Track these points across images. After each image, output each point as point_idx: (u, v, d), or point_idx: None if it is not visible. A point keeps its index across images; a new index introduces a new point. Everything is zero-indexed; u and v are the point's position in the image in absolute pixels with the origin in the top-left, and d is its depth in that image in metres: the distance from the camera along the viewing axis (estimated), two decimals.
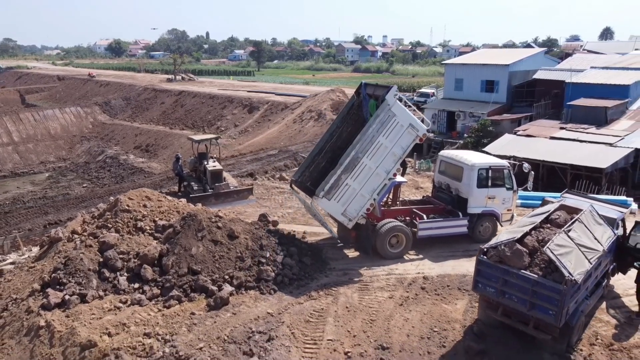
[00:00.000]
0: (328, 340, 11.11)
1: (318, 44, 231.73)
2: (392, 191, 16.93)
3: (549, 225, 11.10)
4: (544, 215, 11.36)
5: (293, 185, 17.33)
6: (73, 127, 63.44)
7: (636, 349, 10.67)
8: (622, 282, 13.41)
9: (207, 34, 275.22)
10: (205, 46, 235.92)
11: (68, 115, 64.69)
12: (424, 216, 16.38)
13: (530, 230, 10.73)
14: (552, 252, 9.64)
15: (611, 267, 12.53)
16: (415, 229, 15.95)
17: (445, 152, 18.43)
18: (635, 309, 12.31)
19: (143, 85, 77.47)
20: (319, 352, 10.71)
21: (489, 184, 16.54)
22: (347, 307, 12.41)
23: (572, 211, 11.91)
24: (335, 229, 16.92)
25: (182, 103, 65.02)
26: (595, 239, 10.85)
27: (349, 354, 10.64)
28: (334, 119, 18.82)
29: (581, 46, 63.41)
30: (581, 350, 10.67)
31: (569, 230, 10.39)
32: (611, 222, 12.13)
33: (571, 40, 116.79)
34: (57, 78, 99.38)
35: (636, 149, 25.65)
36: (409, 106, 15.85)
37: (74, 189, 43.25)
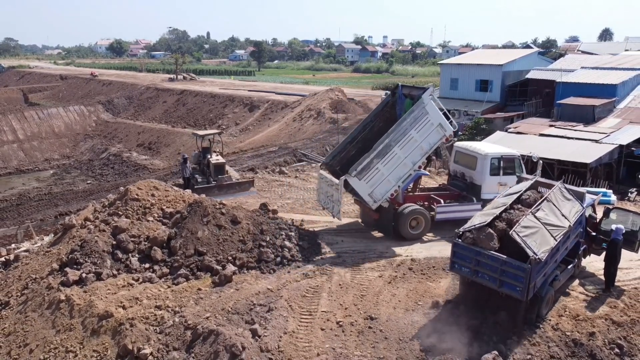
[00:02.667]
0: (322, 311, 12.27)
1: (318, 45, 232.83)
2: (414, 181, 18.26)
3: (519, 205, 12.22)
4: (516, 196, 12.46)
5: (321, 167, 18.91)
6: (77, 126, 64.59)
7: (599, 320, 11.81)
8: (594, 264, 14.54)
9: (208, 34, 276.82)
10: (206, 46, 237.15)
11: (72, 114, 65.83)
12: (442, 201, 17.74)
13: (502, 212, 11.84)
14: (518, 235, 10.75)
15: (582, 249, 13.69)
16: (433, 213, 17.32)
17: (460, 143, 19.71)
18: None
19: (145, 85, 78.63)
20: (314, 322, 11.87)
21: (501, 172, 17.85)
22: (340, 285, 13.57)
23: (546, 186, 13.07)
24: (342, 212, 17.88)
25: (184, 102, 66.18)
26: (563, 215, 11.93)
27: (340, 323, 11.81)
28: (369, 114, 20.49)
29: (577, 48, 64.58)
30: (550, 320, 11.81)
31: (537, 210, 11.53)
32: (579, 197, 13.12)
33: (570, 41, 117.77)
34: (60, 77, 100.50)
35: (620, 146, 26.79)
36: (441, 109, 17.26)
37: (78, 185, 44.36)
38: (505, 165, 17.90)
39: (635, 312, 12.19)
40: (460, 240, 11.77)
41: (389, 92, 19.87)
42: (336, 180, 16.90)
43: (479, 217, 11.84)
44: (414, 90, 18.38)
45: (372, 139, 17.33)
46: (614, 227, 13.35)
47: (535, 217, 11.32)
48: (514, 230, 10.83)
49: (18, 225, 23.09)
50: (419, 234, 17.07)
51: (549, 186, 13.10)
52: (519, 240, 10.66)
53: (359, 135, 18.78)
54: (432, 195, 18.33)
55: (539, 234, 11.04)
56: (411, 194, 18.39)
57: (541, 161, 19.10)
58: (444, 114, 17.20)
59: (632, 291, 13.16)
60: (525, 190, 12.75)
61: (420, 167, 17.19)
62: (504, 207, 11.92)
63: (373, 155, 16.28)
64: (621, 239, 13.12)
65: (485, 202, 17.57)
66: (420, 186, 19.41)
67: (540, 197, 12.30)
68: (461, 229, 11.87)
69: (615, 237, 13.15)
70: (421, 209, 17.21)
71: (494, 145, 20.09)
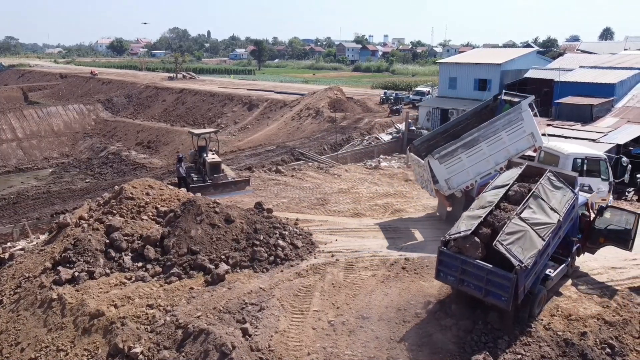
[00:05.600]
0: (314, 311, 12.24)
1: (319, 44, 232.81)
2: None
3: (506, 204, 11.98)
4: (503, 192, 12.19)
5: (409, 149, 19.63)
6: (76, 124, 64.70)
7: (591, 319, 11.75)
8: (588, 263, 14.51)
9: (209, 32, 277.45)
10: (207, 45, 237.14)
11: (71, 113, 65.92)
12: None
13: (487, 215, 11.53)
14: (502, 244, 10.54)
15: (575, 247, 13.62)
16: None
17: (547, 142, 19.44)
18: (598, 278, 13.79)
19: (145, 83, 78.70)
20: (305, 321, 11.85)
21: (584, 173, 17.72)
22: (332, 284, 13.53)
23: (538, 172, 12.73)
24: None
25: (183, 101, 66.24)
26: (552, 208, 11.66)
27: (332, 322, 11.77)
28: (467, 112, 21.00)
29: (577, 47, 64.53)
30: (542, 320, 11.76)
31: (522, 211, 11.26)
32: (571, 182, 12.69)
33: (571, 41, 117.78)
34: (60, 76, 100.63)
35: (618, 145, 26.73)
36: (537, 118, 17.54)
37: (76, 184, 44.39)
38: (589, 167, 17.73)
39: (628, 312, 12.14)
40: (445, 248, 11.59)
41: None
42: (422, 161, 17.40)
43: (465, 222, 11.53)
44: (516, 97, 18.91)
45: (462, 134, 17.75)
46: None
47: (521, 218, 11.07)
48: (497, 240, 10.59)
49: (14, 224, 23.07)
50: None
51: (541, 172, 12.67)
52: (503, 250, 10.47)
53: (452, 129, 19.32)
54: None
55: (525, 238, 10.80)
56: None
57: (630, 166, 19.04)
58: None
59: (625, 291, 13.11)
60: (512, 184, 12.41)
61: (501, 168, 17.18)
62: (491, 207, 11.69)
63: (459, 144, 16.73)
64: None
65: None
66: None
67: (527, 191, 11.96)
68: (447, 236, 11.68)
69: None
70: None
71: (579, 146, 20.00)
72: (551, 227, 11.32)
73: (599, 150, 19.37)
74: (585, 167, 17.75)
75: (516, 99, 18.42)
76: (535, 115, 17.44)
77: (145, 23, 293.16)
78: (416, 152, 19.18)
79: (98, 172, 49.04)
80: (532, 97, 17.49)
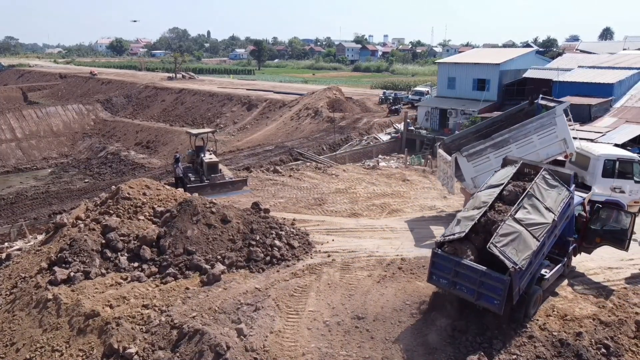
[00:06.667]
0: (309, 311, 12.22)
1: (319, 44, 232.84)
2: None
3: (500, 204, 11.87)
4: (498, 191, 12.04)
5: (440, 146, 19.75)
6: (75, 124, 64.71)
7: (587, 319, 11.73)
8: (584, 263, 14.49)
9: (208, 32, 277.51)
10: (206, 45, 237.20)
11: (70, 113, 65.92)
12: None
13: (482, 216, 11.40)
14: (495, 247, 10.46)
15: (572, 247, 13.59)
16: None
17: (576, 144, 19.16)
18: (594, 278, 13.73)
19: (144, 84, 78.69)
20: (300, 321, 11.83)
21: (615, 175, 17.62)
22: (328, 284, 13.51)
23: (533, 169, 12.59)
24: (455, 188, 18.61)
25: (182, 101, 66.26)
26: (547, 208, 11.56)
27: (327, 323, 11.74)
28: (502, 113, 21.06)
29: (576, 47, 64.56)
30: (537, 320, 11.74)
31: (517, 211, 11.17)
32: (566, 180, 12.54)
33: (571, 41, 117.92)
34: (59, 76, 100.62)
35: (616, 145, 26.68)
36: (571, 127, 17.43)
37: (75, 184, 44.40)
38: (621, 168, 17.56)
39: (624, 312, 12.12)
40: (440, 250, 11.49)
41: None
42: (449, 157, 17.44)
43: (459, 225, 11.42)
44: (552, 102, 18.86)
45: None
46: None
47: (515, 219, 10.99)
48: (491, 242, 10.53)
49: (12, 224, 23.07)
50: None
51: (537, 169, 12.54)
52: (497, 252, 10.40)
53: (484, 129, 19.40)
54: None
55: (519, 240, 10.71)
56: None
57: None
58: None
59: (622, 291, 13.10)
60: (507, 184, 12.35)
61: None
62: (485, 207, 11.62)
63: (489, 144, 16.77)
64: None
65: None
66: None
67: (522, 191, 11.86)
68: (441, 237, 11.58)
69: None
70: None
71: (611, 147, 19.79)
72: (546, 227, 11.25)
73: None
74: (617, 169, 17.57)
75: (552, 104, 18.36)
76: (569, 121, 17.31)
77: (134, 21, 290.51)
78: (446, 150, 19.22)
79: (97, 172, 49.07)
80: (567, 103, 17.38)
